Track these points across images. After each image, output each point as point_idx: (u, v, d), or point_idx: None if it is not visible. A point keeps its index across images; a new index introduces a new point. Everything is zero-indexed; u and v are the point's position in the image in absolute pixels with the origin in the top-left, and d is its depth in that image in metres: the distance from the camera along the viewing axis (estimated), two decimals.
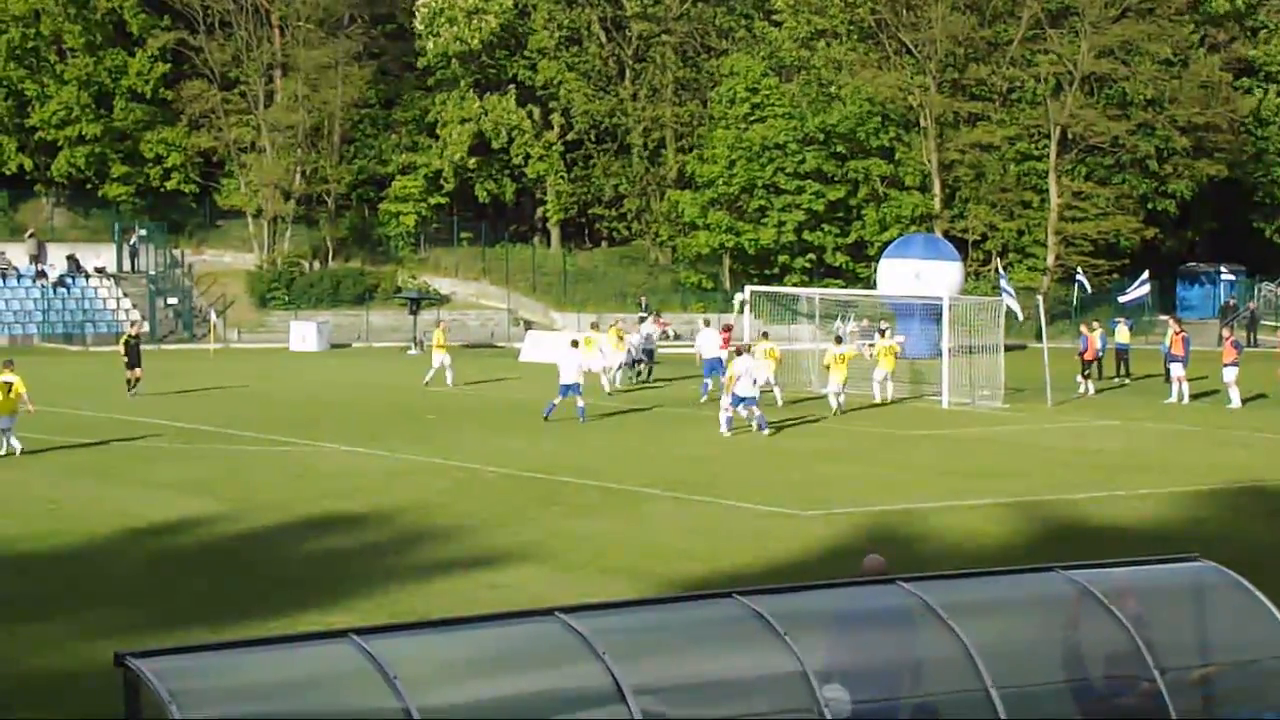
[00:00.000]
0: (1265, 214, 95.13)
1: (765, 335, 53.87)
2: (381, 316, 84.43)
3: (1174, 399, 51.77)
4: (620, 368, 56.09)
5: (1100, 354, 57.28)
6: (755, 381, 43.31)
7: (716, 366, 51.12)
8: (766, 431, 42.43)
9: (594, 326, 59.49)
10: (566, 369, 45.82)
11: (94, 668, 18.58)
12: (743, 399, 42.54)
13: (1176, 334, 53.24)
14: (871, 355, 52.68)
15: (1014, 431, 44.63)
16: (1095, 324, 58.27)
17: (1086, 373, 55.73)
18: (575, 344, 49.89)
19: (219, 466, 36.58)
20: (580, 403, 45.07)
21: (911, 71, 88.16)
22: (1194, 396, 51.99)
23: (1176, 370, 52.29)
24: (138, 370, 52.07)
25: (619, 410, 48.67)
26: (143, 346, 54.86)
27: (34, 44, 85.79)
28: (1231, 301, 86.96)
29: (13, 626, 22.24)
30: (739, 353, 44.49)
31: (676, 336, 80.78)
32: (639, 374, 59.21)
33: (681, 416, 46.61)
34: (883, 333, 54.96)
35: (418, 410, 47.98)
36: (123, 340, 54.13)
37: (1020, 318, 57.17)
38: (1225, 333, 53.97)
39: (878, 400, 51.00)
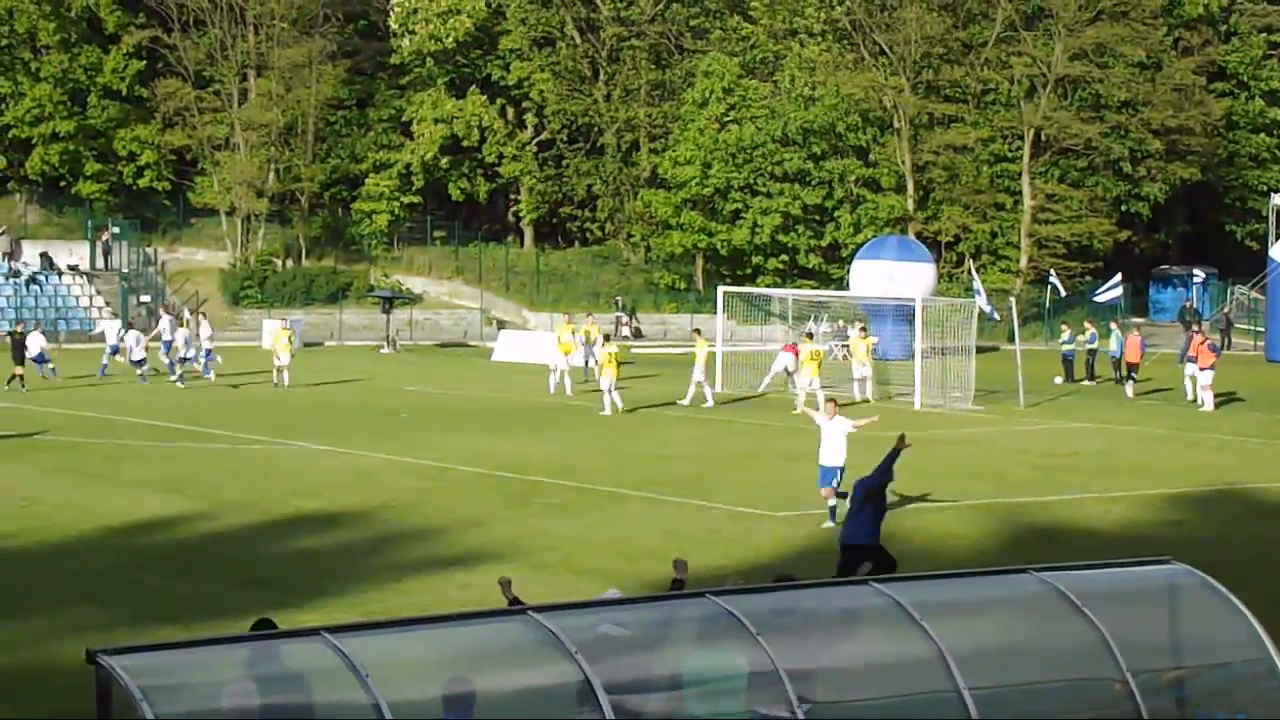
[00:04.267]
0: (1237, 217, 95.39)
1: (698, 332, 54.28)
2: (354, 315, 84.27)
3: (1208, 407, 50.76)
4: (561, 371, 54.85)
5: (1119, 356, 57.55)
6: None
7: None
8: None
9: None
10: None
11: (66, 665, 18.52)
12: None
13: (1202, 341, 52.81)
14: (846, 357, 52.25)
15: (987, 433, 44.65)
16: (1131, 324, 58.67)
17: (1129, 376, 55.51)
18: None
19: (189, 465, 36.48)
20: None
21: (886, 73, 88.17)
22: (1145, 394, 52.09)
23: (1205, 379, 51.47)
24: (19, 368, 52.52)
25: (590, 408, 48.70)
26: (33, 343, 55.08)
27: (8, 41, 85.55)
28: (1189, 304, 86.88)
29: None
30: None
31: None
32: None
33: (653, 416, 46.53)
34: (810, 336, 52.37)
35: (390, 409, 47.90)
36: (7, 334, 54.45)
37: (996, 318, 56.86)
38: (1199, 336, 53.72)
39: (799, 411, 46.40)
